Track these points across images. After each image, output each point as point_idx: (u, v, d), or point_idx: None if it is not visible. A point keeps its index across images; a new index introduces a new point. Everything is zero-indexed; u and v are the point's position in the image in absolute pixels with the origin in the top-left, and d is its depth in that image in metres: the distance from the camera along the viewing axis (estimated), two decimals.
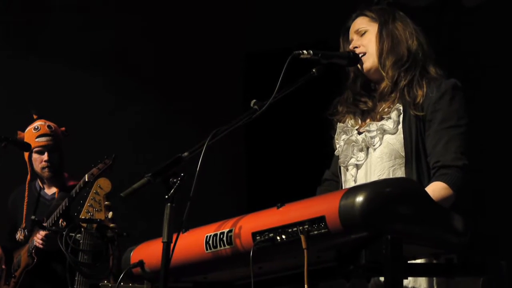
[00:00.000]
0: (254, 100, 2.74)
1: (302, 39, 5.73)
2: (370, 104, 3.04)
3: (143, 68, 6.62)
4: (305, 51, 2.84)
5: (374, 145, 2.94)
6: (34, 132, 4.95)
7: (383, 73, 2.99)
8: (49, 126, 4.98)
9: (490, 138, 5.11)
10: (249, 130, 6.31)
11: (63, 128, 5.07)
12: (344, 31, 3.15)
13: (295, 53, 2.82)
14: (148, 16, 6.65)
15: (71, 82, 6.38)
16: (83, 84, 6.43)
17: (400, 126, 2.92)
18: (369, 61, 3.03)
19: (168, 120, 6.63)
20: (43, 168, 5.00)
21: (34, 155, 5.00)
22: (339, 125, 3.10)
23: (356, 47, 3.05)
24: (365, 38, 3.05)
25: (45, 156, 4.96)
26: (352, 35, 3.09)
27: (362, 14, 3.11)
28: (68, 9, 6.46)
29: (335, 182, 3.13)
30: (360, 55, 3.03)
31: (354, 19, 3.12)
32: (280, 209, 2.44)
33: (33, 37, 6.41)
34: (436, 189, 2.74)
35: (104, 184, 4.22)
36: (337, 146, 3.09)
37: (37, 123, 4.99)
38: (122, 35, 6.58)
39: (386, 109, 2.96)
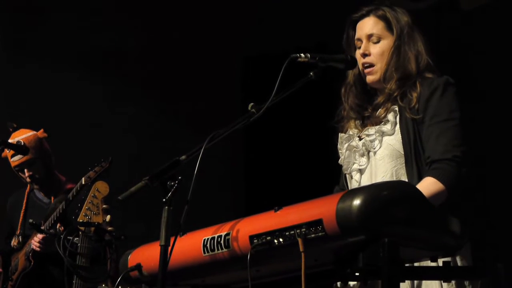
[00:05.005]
0: (252, 103, 2.74)
1: (301, 43, 5.73)
2: (370, 110, 3.03)
3: (141, 70, 6.62)
4: (302, 55, 2.83)
5: (374, 148, 2.94)
6: (9, 152, 4.93)
7: (385, 87, 2.99)
8: (18, 143, 4.90)
9: (490, 139, 5.12)
10: (247, 133, 6.32)
11: (40, 131, 5.01)
12: (351, 23, 3.10)
13: (293, 56, 2.82)
14: (147, 19, 6.65)
15: (69, 83, 6.38)
16: (81, 86, 6.43)
17: (397, 126, 2.92)
18: (377, 74, 3.01)
19: (166, 123, 6.63)
20: (29, 182, 4.99)
21: (19, 173, 5.00)
22: (341, 135, 3.09)
23: (366, 54, 3.03)
24: (377, 48, 3.01)
25: (26, 172, 4.94)
26: (362, 36, 3.04)
27: (376, 14, 3.04)
28: (66, 10, 6.47)
29: None
30: (366, 65, 3.02)
31: (366, 15, 3.06)
32: (278, 212, 2.44)
33: (30, 39, 6.41)
34: (425, 185, 2.73)
35: (102, 188, 4.22)
36: (340, 155, 3.09)
37: (9, 142, 4.93)
38: (120, 36, 6.59)
39: (383, 114, 2.96)
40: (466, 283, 2.74)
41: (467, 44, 5.40)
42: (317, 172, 3.30)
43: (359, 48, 3.05)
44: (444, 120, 2.85)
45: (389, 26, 3.02)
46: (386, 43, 3.02)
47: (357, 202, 2.22)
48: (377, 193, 2.26)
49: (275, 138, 6.47)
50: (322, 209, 2.30)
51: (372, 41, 3.03)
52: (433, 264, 2.54)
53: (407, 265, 2.48)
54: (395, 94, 2.94)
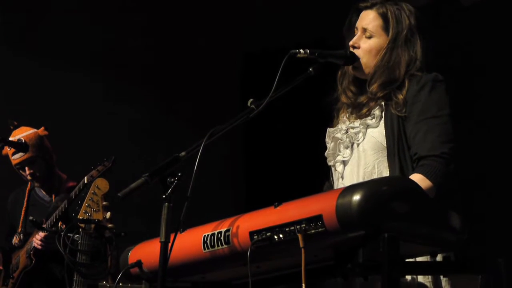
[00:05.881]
0: (251, 99, 2.74)
1: (300, 39, 5.73)
2: (360, 99, 3.02)
3: (141, 68, 6.62)
4: (301, 50, 2.83)
5: (358, 140, 2.94)
6: (9, 150, 4.93)
7: (367, 87, 2.98)
8: (19, 140, 4.90)
9: (489, 136, 5.12)
10: (247, 129, 6.32)
11: (41, 129, 5.01)
12: (356, 10, 3.08)
13: (292, 52, 2.81)
14: (146, 17, 6.66)
15: (69, 82, 6.38)
16: (81, 85, 6.44)
17: (382, 120, 2.91)
18: (360, 67, 3.01)
19: (166, 120, 6.64)
20: (30, 180, 4.99)
21: (20, 171, 5.00)
22: (329, 129, 3.09)
23: (355, 47, 3.03)
24: (367, 43, 3.00)
25: (27, 170, 4.94)
26: (359, 26, 3.04)
27: (378, 11, 3.01)
28: (67, 9, 6.47)
29: None
30: (356, 56, 3.02)
31: (369, 8, 3.03)
32: (277, 208, 2.44)
33: (31, 37, 6.41)
34: None
35: (101, 185, 4.21)
36: (327, 148, 3.09)
37: (10, 140, 4.93)
38: (120, 35, 6.59)
39: (367, 110, 2.95)
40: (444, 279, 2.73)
41: (466, 40, 5.40)
42: (317, 168, 3.29)
43: None
44: (432, 117, 2.83)
45: (386, 26, 3.00)
46: (377, 41, 3.00)
47: (357, 197, 2.22)
48: (377, 188, 2.26)
49: (275, 134, 6.48)
50: (322, 204, 2.30)
51: (365, 36, 3.02)
52: (433, 259, 2.55)
53: (407, 260, 2.48)
54: (377, 95, 2.93)
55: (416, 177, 2.72)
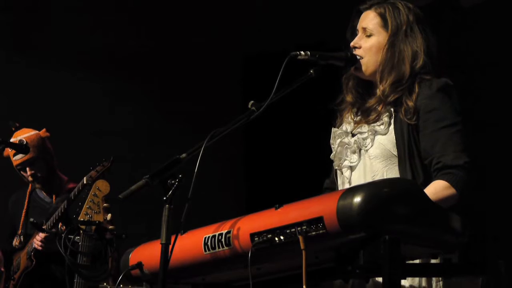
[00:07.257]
0: (252, 102, 2.74)
1: (300, 41, 5.73)
2: (365, 104, 3.01)
3: (141, 70, 6.62)
4: (302, 52, 2.84)
5: (366, 146, 2.93)
6: (11, 151, 4.94)
7: (379, 87, 2.95)
8: (20, 141, 4.91)
9: (491, 138, 5.12)
10: (248, 131, 6.32)
11: (43, 130, 5.01)
12: (357, 12, 3.09)
13: (292, 54, 2.82)
14: (146, 18, 6.66)
15: (68, 83, 6.39)
16: (81, 86, 6.44)
17: (392, 127, 2.90)
18: (363, 68, 3.01)
19: (167, 122, 6.64)
20: (31, 181, 5.00)
21: (21, 172, 5.00)
22: (333, 130, 3.08)
23: (356, 47, 3.03)
24: (367, 42, 3.00)
25: (28, 171, 4.95)
26: (359, 27, 3.04)
27: (376, 10, 3.02)
28: (66, 9, 6.47)
29: (334, 190, 3.10)
30: (357, 57, 3.02)
31: (368, 8, 3.04)
32: (278, 210, 2.44)
33: (30, 38, 6.41)
34: (438, 187, 2.71)
35: (102, 186, 4.22)
36: (333, 150, 3.08)
37: (11, 140, 4.93)
38: (120, 36, 6.59)
39: (376, 114, 2.95)
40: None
41: (466, 42, 5.40)
42: (318, 170, 3.29)
43: None
44: (450, 125, 2.82)
45: (385, 24, 3.01)
46: (377, 39, 2.99)
47: (357, 199, 2.22)
48: (377, 190, 2.26)
49: (275, 136, 6.48)
50: (323, 206, 2.30)
51: (365, 35, 3.02)
52: (434, 261, 2.56)
53: (408, 262, 2.48)
54: (388, 99, 2.92)
55: (441, 184, 2.73)
